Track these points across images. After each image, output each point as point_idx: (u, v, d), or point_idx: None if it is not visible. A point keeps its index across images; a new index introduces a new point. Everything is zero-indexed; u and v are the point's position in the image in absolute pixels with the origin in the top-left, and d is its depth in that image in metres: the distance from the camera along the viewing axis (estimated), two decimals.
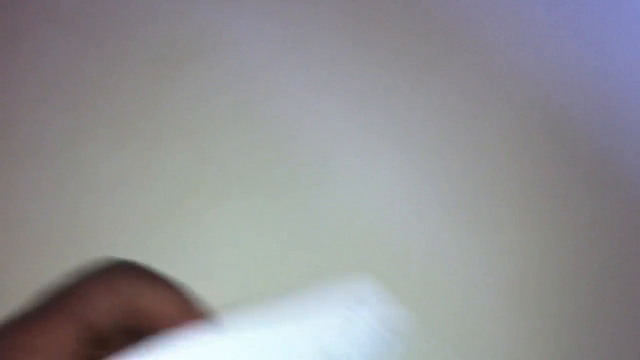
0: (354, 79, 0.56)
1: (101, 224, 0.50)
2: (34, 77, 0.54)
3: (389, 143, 0.55)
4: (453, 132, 0.56)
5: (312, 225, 0.52)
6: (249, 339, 0.25)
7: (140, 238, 0.49)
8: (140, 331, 0.25)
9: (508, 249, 0.54)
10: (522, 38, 0.60)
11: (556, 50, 0.60)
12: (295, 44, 0.56)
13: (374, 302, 0.28)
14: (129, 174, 0.51)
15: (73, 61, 0.54)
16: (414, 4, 0.58)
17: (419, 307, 0.52)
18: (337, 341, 0.27)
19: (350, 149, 0.54)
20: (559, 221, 0.56)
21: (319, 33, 0.56)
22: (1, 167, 0.51)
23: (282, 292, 0.27)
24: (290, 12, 0.56)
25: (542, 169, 0.57)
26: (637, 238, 0.55)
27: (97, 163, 0.51)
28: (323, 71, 0.56)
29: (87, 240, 0.49)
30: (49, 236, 0.49)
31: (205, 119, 0.53)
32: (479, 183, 0.56)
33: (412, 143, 0.55)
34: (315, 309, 0.26)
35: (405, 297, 0.53)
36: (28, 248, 0.49)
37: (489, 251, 0.54)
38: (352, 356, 0.27)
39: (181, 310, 0.25)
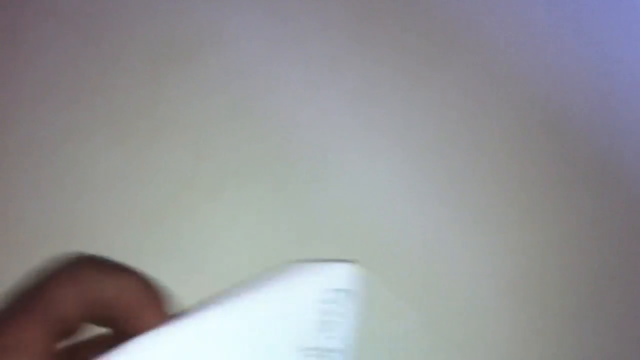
0: (352, 76, 0.56)
1: (99, 220, 0.50)
2: (31, 75, 0.54)
3: (389, 140, 0.55)
4: (453, 130, 0.56)
5: (311, 222, 0.51)
6: (224, 337, 0.25)
7: (137, 234, 0.49)
8: (108, 321, 0.26)
9: (510, 248, 0.54)
10: (523, 36, 0.60)
11: (557, 49, 0.60)
12: (294, 41, 0.56)
13: (351, 289, 0.28)
14: (127, 171, 0.51)
15: (71, 59, 0.54)
16: (413, 1, 0.58)
17: (421, 306, 0.51)
18: (316, 336, 0.26)
19: (349, 146, 0.54)
20: (560, 220, 0.55)
21: (318, 30, 0.56)
22: None
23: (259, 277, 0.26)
24: (289, 9, 0.56)
25: (543, 168, 0.57)
26: (639, 237, 0.55)
27: (95, 160, 0.51)
28: (321, 68, 0.56)
29: (85, 237, 0.49)
30: (47, 234, 0.49)
31: (204, 116, 0.53)
32: (479, 181, 0.56)
33: (411, 140, 0.55)
34: (293, 302, 0.26)
35: (406, 296, 0.53)
36: (26, 245, 0.49)
37: (490, 250, 0.53)
38: (333, 349, 0.27)
39: (146, 299, 0.26)
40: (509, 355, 0.50)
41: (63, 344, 0.25)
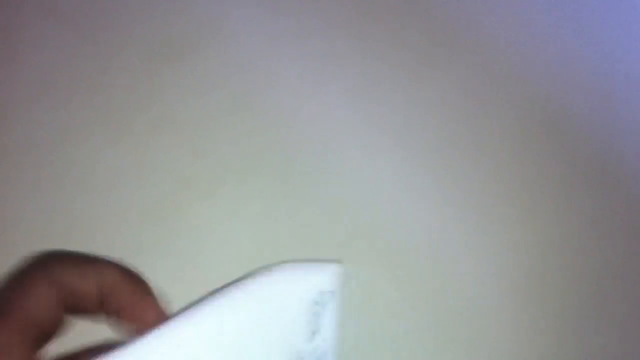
0: (353, 72, 0.56)
1: (98, 218, 0.50)
2: (28, 74, 0.54)
3: (390, 137, 0.55)
4: (454, 127, 0.56)
5: (311, 220, 0.51)
6: (217, 340, 0.25)
7: (136, 232, 0.49)
8: (94, 313, 0.25)
9: (513, 247, 0.53)
10: (524, 34, 0.60)
11: (557, 48, 0.60)
12: (294, 37, 0.56)
13: (336, 290, 0.28)
14: (126, 169, 0.51)
15: (68, 58, 0.54)
16: None
17: (423, 305, 0.51)
18: (307, 336, 0.27)
19: (350, 142, 0.54)
20: (564, 220, 0.55)
21: (319, 26, 0.56)
22: None
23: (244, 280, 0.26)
24: (289, 4, 0.56)
25: (547, 167, 0.56)
26: None
27: (93, 158, 0.51)
28: (322, 65, 0.55)
29: (84, 235, 0.49)
30: (46, 232, 0.49)
31: (202, 113, 0.53)
32: (481, 178, 0.55)
33: (412, 137, 0.55)
34: (283, 304, 0.26)
35: (408, 294, 0.53)
36: (24, 244, 0.49)
37: (493, 250, 0.53)
38: (320, 348, 0.27)
39: (129, 286, 0.25)
40: (512, 354, 0.50)
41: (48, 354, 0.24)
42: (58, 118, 0.52)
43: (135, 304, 0.25)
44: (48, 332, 0.24)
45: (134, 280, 0.26)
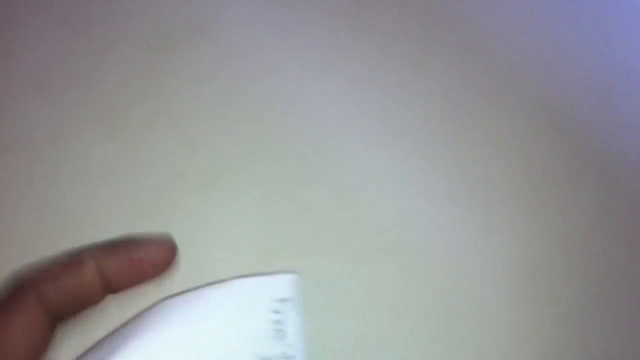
0: (355, 63, 0.55)
1: (91, 215, 0.49)
2: (20, 69, 0.53)
3: (392, 130, 0.54)
4: (458, 122, 0.55)
5: (309, 215, 0.51)
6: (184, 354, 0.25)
7: (130, 228, 0.49)
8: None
9: (521, 246, 0.53)
10: (531, 23, 0.60)
11: (564, 36, 0.60)
12: (294, 26, 0.55)
13: (296, 298, 0.28)
14: (120, 164, 0.50)
15: (61, 53, 0.54)
16: None
17: (427, 305, 0.51)
18: (272, 345, 0.27)
19: (351, 136, 0.53)
20: (571, 219, 0.55)
21: (319, 15, 0.56)
22: None
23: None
24: None
25: (554, 163, 0.56)
26: None
27: (87, 154, 0.51)
28: (323, 55, 0.55)
29: (77, 231, 0.49)
30: (39, 229, 0.48)
31: (198, 106, 0.52)
32: (486, 175, 0.55)
33: (416, 131, 0.55)
34: (245, 315, 0.27)
35: (411, 294, 0.53)
36: (17, 241, 0.48)
37: (500, 250, 0.53)
38: (289, 356, 0.27)
39: (116, 267, 0.25)
40: (521, 354, 0.50)
41: None
42: (51, 113, 0.52)
43: (132, 269, 0.25)
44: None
45: (116, 255, 0.25)
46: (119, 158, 0.51)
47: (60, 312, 0.24)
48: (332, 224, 0.51)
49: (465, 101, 0.57)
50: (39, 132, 0.51)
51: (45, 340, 0.23)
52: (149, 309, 0.26)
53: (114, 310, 0.28)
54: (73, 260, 0.25)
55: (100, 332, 0.27)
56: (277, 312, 0.28)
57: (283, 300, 0.28)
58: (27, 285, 0.24)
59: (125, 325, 0.26)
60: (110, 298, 0.27)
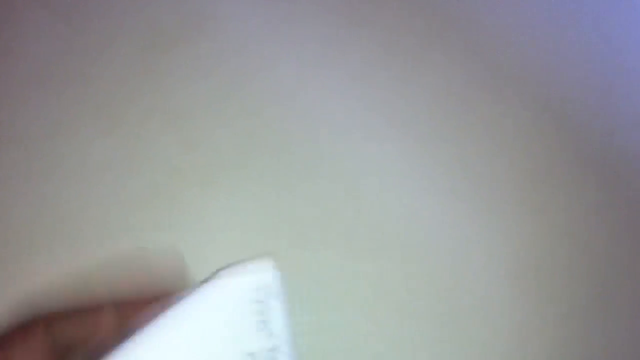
0: (355, 58, 0.55)
1: (88, 212, 0.49)
2: (19, 66, 0.53)
3: (394, 125, 0.54)
4: (462, 116, 0.55)
5: (310, 213, 0.51)
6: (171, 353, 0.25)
7: (127, 226, 0.49)
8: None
9: (526, 244, 0.53)
10: (534, 16, 0.59)
11: (565, 35, 0.59)
12: (290, 21, 0.55)
13: (278, 288, 0.28)
14: (117, 160, 0.50)
15: (59, 50, 0.53)
16: None
17: (430, 303, 0.51)
18: (255, 337, 0.27)
19: (351, 133, 0.53)
20: (577, 218, 0.55)
21: (317, 10, 0.55)
22: None
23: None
24: None
25: (558, 161, 0.56)
26: None
27: (84, 150, 0.51)
28: (322, 50, 0.55)
29: (74, 229, 0.49)
30: (36, 226, 0.48)
31: (195, 102, 0.52)
32: (489, 171, 0.55)
33: (418, 127, 0.54)
34: (226, 308, 0.27)
35: (413, 292, 0.53)
36: (15, 238, 0.49)
37: (506, 248, 0.53)
38: (274, 347, 0.27)
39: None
40: (526, 353, 0.50)
41: None
42: (49, 110, 0.52)
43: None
44: None
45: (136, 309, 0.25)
46: (117, 154, 0.51)
47: (66, 353, 0.24)
48: (332, 220, 0.51)
49: (467, 97, 0.56)
50: (36, 128, 0.51)
51: None
52: None
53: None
54: (92, 307, 0.25)
55: None
56: (259, 301, 0.27)
57: (263, 287, 0.28)
58: (39, 319, 0.24)
59: None
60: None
